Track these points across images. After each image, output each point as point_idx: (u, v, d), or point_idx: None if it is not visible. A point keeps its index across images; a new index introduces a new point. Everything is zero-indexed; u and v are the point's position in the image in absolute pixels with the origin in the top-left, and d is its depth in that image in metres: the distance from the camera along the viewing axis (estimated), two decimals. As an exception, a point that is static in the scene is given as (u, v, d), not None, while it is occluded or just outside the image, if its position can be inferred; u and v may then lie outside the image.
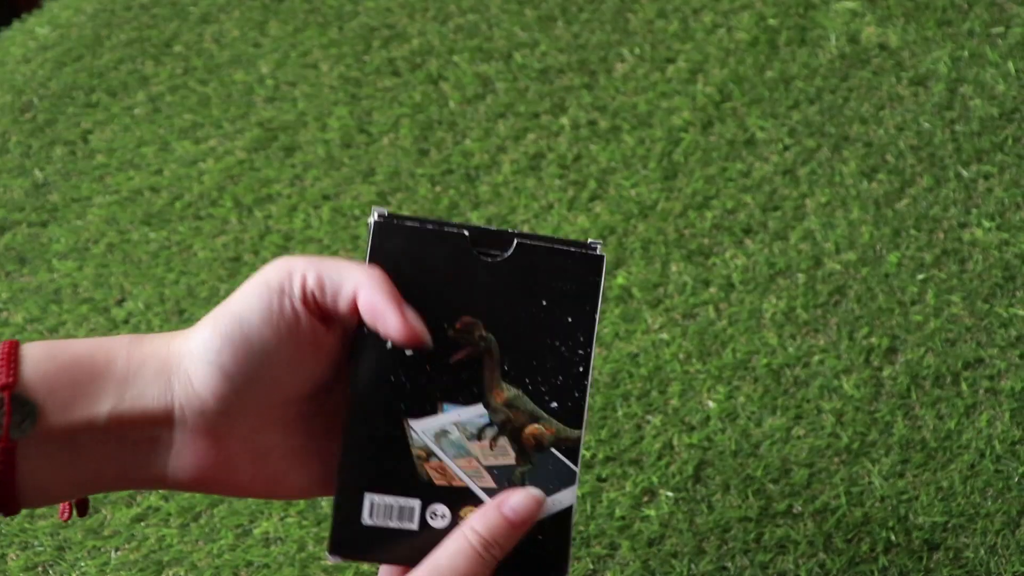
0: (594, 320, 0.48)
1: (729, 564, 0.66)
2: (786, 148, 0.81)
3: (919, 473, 0.68)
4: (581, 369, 0.48)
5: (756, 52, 0.86)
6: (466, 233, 0.47)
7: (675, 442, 0.69)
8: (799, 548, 0.66)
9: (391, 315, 0.44)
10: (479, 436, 0.47)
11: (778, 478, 0.68)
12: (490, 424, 0.47)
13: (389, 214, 0.47)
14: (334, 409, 0.48)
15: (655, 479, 0.68)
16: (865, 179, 0.80)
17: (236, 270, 0.78)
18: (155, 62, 0.89)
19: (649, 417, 0.70)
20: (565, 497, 0.48)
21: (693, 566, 0.65)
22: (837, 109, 0.83)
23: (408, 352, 0.46)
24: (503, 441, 0.48)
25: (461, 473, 0.47)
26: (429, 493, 0.47)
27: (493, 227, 0.48)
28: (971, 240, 0.77)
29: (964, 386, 0.71)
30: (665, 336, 0.73)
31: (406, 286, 0.46)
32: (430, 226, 0.47)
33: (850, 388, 0.71)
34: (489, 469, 0.47)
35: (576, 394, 0.48)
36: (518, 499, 0.46)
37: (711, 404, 0.71)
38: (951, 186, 0.79)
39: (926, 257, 0.76)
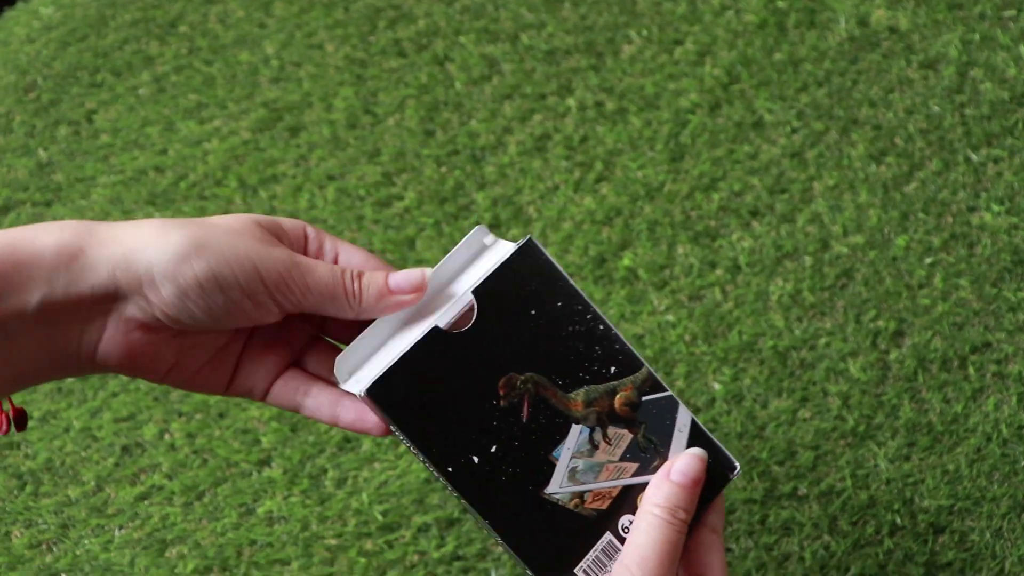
0: (572, 287, 0.49)
1: (734, 546, 0.65)
2: (794, 131, 0.81)
3: (925, 456, 0.68)
4: (602, 327, 0.49)
5: (765, 34, 0.85)
6: (434, 331, 0.47)
7: (680, 424, 0.69)
8: (804, 530, 0.66)
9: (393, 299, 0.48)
10: (595, 446, 0.49)
11: (783, 460, 0.68)
12: (592, 430, 0.49)
13: (369, 383, 0.46)
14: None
15: (660, 461, 0.68)
16: (873, 162, 0.79)
17: (241, 250, 0.77)
18: (160, 42, 0.89)
19: (654, 399, 0.70)
20: (683, 418, 0.50)
21: (698, 548, 0.65)
22: (846, 92, 0.82)
23: (492, 448, 0.47)
24: (611, 430, 0.49)
25: (611, 483, 0.48)
26: (608, 519, 0.48)
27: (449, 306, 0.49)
28: (980, 224, 0.76)
29: (971, 370, 0.71)
30: (671, 318, 0.73)
31: (434, 412, 0.47)
32: (405, 354, 0.47)
33: (856, 371, 0.71)
34: (623, 458, 0.49)
35: (616, 346, 0.50)
36: (682, 463, 0.48)
37: (717, 386, 0.70)
38: (960, 170, 0.79)
39: (934, 241, 0.76)
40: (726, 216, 0.77)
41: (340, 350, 0.50)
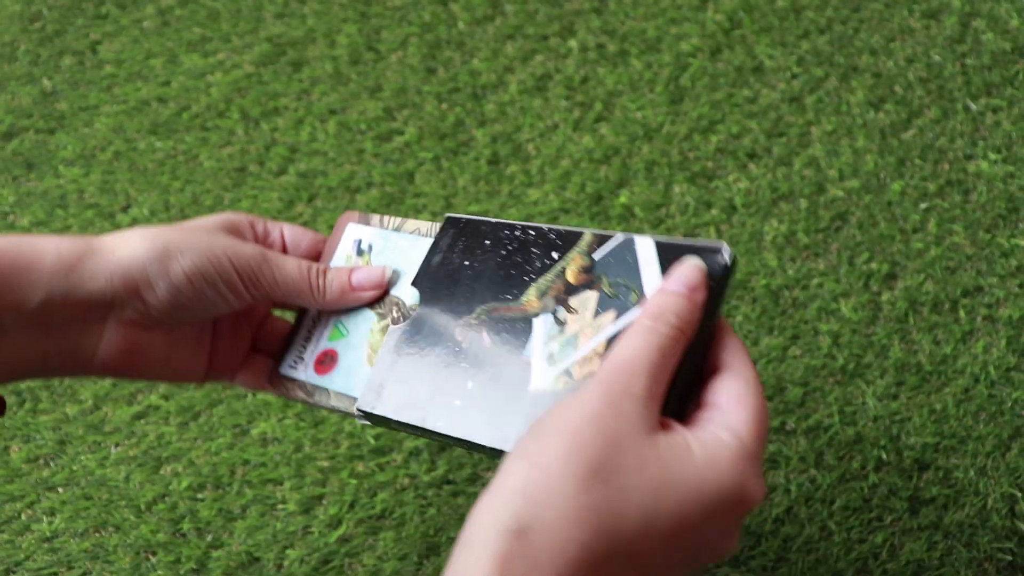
0: (497, 221, 0.52)
1: (720, 476, 0.66)
2: (794, 76, 0.81)
3: (913, 395, 0.69)
4: (533, 232, 0.50)
5: (768, -19, 0.85)
6: (391, 330, 0.52)
7: (671, 357, 0.70)
8: (791, 463, 0.66)
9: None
10: (563, 322, 0.47)
11: (772, 395, 0.69)
12: (554, 312, 0.48)
13: (357, 408, 0.50)
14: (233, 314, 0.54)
15: (650, 392, 0.69)
16: (872, 109, 0.79)
17: (241, 180, 0.78)
18: (166, -24, 0.89)
19: (646, 332, 0.71)
20: (645, 246, 0.47)
21: (684, 477, 0.66)
22: (847, 40, 0.83)
23: (468, 385, 0.48)
24: (573, 300, 0.48)
25: (593, 343, 0.46)
26: None
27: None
28: (976, 172, 0.77)
29: (962, 313, 0.71)
30: (665, 254, 0.73)
31: (410, 394, 0.49)
32: (375, 369, 0.51)
33: (848, 311, 0.71)
34: (597, 314, 0.47)
35: (552, 236, 0.50)
36: (675, 272, 0.44)
37: (709, 322, 0.71)
38: (959, 118, 0.79)
39: (930, 187, 0.76)
40: (723, 158, 0.78)
41: (288, 324, 0.55)
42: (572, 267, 0.49)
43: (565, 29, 0.84)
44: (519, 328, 0.48)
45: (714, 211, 0.75)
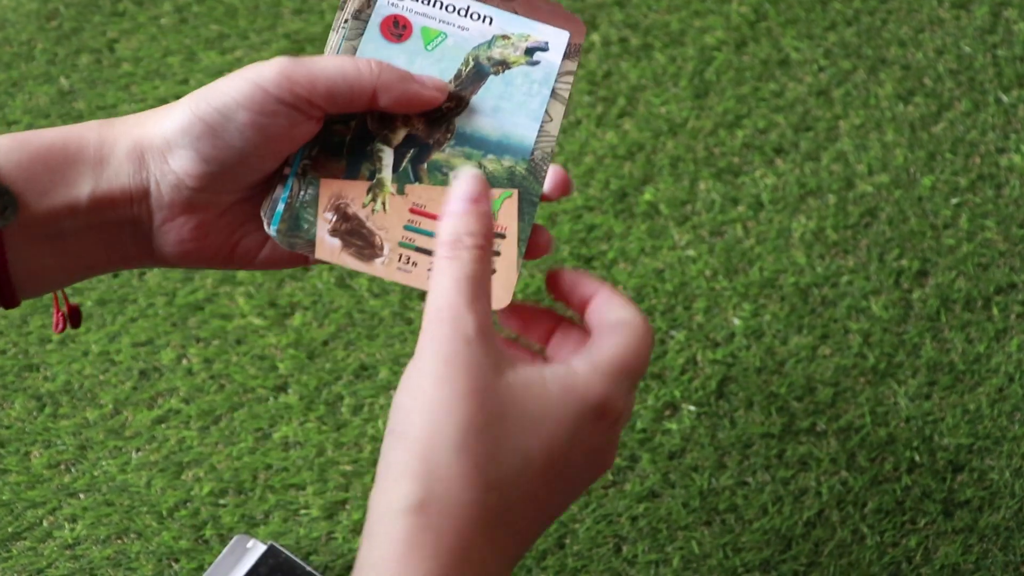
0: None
1: (750, 479, 0.65)
2: (821, 69, 0.79)
3: (946, 395, 0.67)
4: None
5: (793, -28, 0.84)
6: None
7: (699, 357, 0.69)
8: (821, 465, 0.65)
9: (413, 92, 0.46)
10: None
11: (802, 396, 0.67)
12: None
13: None
14: None
15: (678, 393, 0.68)
16: (901, 102, 0.78)
17: (260, 179, 0.77)
18: (182, -28, 0.88)
19: (673, 332, 0.70)
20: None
21: (714, 480, 0.65)
22: (875, 31, 0.81)
23: None
24: None
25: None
26: None
27: None
28: (1008, 165, 0.75)
29: (995, 310, 0.70)
30: (692, 252, 0.72)
31: None
32: None
33: (878, 309, 0.70)
34: None
35: None
36: (455, 191, 0.43)
37: (736, 321, 0.70)
38: (990, 111, 0.77)
39: (961, 181, 0.74)
40: (749, 153, 0.76)
41: None
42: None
43: (587, 22, 0.83)
44: None
45: (741, 208, 0.74)
